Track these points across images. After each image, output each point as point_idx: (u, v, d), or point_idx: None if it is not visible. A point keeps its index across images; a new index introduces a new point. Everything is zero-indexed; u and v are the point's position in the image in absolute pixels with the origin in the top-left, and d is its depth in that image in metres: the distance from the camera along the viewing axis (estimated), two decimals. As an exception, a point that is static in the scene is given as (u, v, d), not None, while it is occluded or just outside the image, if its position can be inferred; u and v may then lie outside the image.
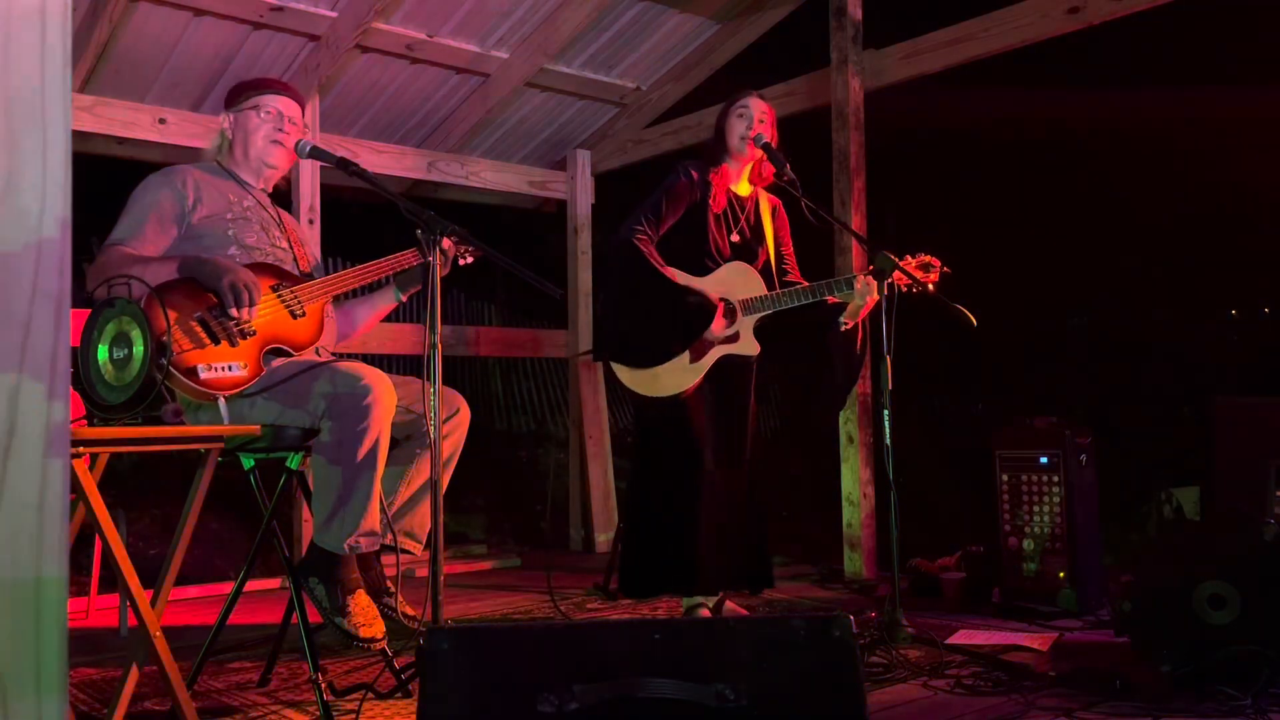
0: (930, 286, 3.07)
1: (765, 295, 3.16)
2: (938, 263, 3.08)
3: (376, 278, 2.69)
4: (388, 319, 3.06)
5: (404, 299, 2.86)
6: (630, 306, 3.16)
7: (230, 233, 2.58)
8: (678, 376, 3.11)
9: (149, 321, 2.14)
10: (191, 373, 2.27)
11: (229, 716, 2.43)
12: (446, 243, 2.51)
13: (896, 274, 3.03)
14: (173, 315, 2.25)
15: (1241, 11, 6.12)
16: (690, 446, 3.09)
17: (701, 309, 3.09)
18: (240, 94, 2.76)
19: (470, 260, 2.80)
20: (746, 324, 3.16)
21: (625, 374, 3.14)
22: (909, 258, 3.07)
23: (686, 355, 3.11)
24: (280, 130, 2.72)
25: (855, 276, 3.09)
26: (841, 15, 4.35)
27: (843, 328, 3.15)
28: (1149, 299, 8.08)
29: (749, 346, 3.17)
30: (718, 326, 3.09)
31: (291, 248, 2.73)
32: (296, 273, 2.65)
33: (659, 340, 3.11)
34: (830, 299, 3.14)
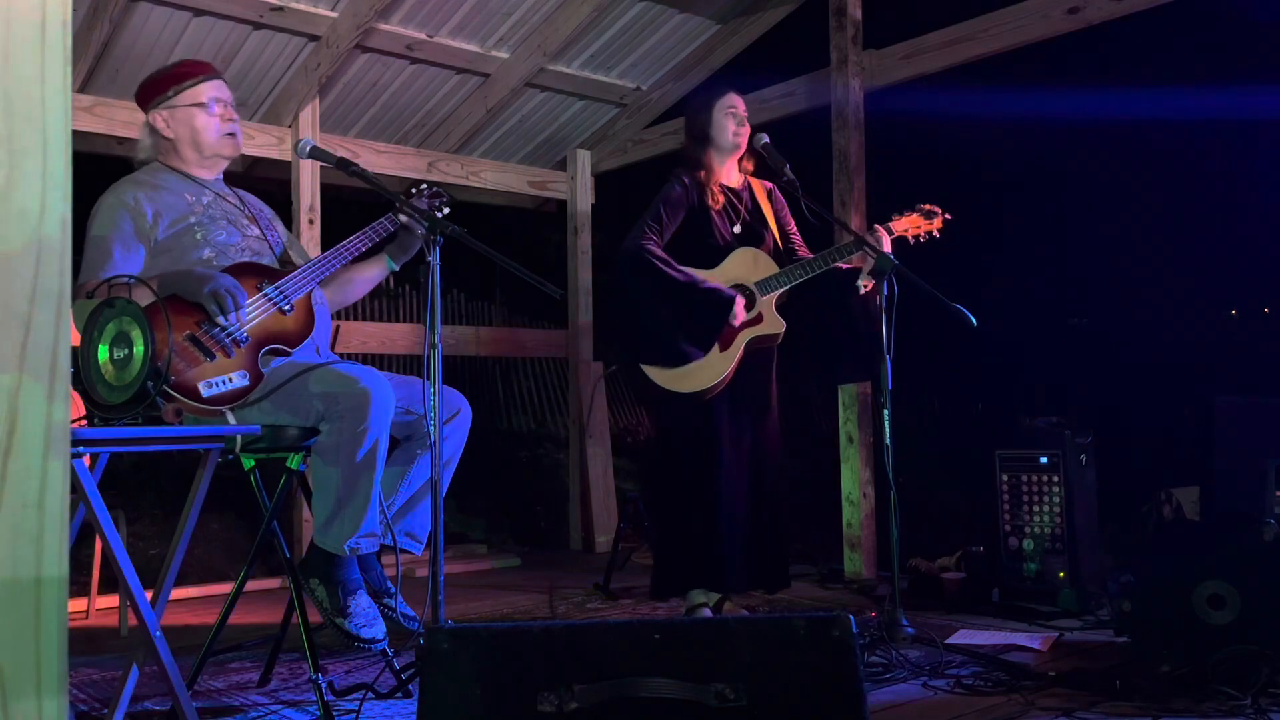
0: (936, 232, 3.22)
1: (778, 272, 3.21)
2: (939, 210, 3.23)
3: (356, 254, 2.65)
4: (387, 319, 3.05)
5: (397, 268, 2.81)
6: (650, 310, 3.18)
7: (199, 236, 2.52)
8: (712, 368, 3.13)
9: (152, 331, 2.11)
10: (194, 393, 2.26)
11: (229, 716, 2.43)
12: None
13: (901, 226, 3.23)
14: (161, 336, 2.14)
15: (1241, 10, 6.12)
16: (711, 442, 3.12)
17: (718, 299, 3.11)
18: (165, 87, 2.59)
19: (447, 210, 2.73)
20: (766, 303, 3.20)
21: (657, 374, 3.15)
22: (909, 212, 3.23)
23: (717, 345, 3.14)
24: (230, 119, 2.63)
25: (862, 237, 3.20)
26: (841, 15, 4.35)
27: (862, 290, 3.22)
28: (1149, 299, 8.08)
29: (774, 324, 3.21)
30: (740, 314, 3.12)
31: (264, 233, 2.66)
32: (275, 264, 2.61)
33: (687, 337, 3.13)
34: (845, 264, 3.23)
